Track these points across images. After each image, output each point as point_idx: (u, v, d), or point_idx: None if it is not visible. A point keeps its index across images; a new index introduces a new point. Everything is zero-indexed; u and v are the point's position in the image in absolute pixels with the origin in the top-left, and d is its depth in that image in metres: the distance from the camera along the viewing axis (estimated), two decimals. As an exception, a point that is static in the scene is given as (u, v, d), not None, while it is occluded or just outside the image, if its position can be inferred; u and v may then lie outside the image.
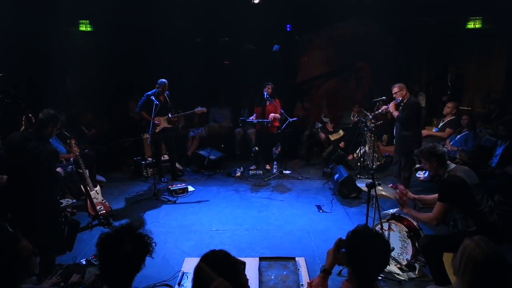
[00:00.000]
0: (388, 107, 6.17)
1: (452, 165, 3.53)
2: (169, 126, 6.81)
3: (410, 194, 3.93)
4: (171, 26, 8.48)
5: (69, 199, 4.90)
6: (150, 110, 6.29)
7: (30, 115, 4.35)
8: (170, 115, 6.74)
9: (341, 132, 8.59)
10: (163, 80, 6.62)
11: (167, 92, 6.75)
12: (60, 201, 4.64)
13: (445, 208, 3.38)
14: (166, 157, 7.40)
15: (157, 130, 6.58)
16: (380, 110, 6.50)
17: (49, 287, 2.57)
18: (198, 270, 1.86)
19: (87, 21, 8.11)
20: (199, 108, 7.04)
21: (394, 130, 6.44)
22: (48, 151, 3.70)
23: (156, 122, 6.51)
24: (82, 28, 8.18)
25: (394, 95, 6.05)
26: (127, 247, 1.94)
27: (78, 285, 2.99)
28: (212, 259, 1.89)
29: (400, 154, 6.14)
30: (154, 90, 6.60)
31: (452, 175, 3.43)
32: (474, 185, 3.39)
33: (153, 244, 2.07)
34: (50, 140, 6.15)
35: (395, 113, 6.03)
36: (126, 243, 1.95)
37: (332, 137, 8.57)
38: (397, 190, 4.08)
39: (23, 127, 4.56)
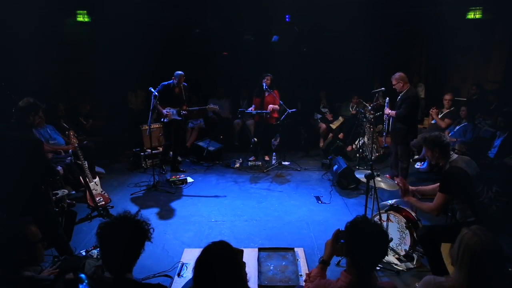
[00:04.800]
0: (388, 111, 6.12)
1: (454, 156, 3.50)
2: (179, 118, 6.77)
3: (408, 187, 3.93)
4: (168, 19, 8.42)
5: (65, 190, 4.90)
6: (164, 99, 6.36)
7: None
8: (182, 112, 6.71)
9: (341, 119, 8.59)
10: (180, 72, 6.57)
11: (184, 84, 6.72)
12: (56, 191, 4.62)
13: (446, 199, 3.37)
14: (160, 149, 7.40)
15: (165, 121, 6.60)
16: (385, 114, 6.39)
17: (47, 276, 2.58)
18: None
19: (85, 11, 8.03)
20: (212, 105, 7.37)
21: (389, 120, 6.39)
22: (31, 141, 3.66)
23: (165, 112, 6.53)
24: (80, 18, 8.10)
25: (393, 86, 6.01)
26: (125, 233, 2.04)
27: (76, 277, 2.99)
28: (215, 251, 1.90)
29: (397, 143, 6.13)
30: (171, 81, 6.58)
31: (454, 166, 3.40)
32: (475, 176, 3.38)
33: (151, 230, 2.17)
34: (48, 131, 6.21)
35: (392, 113, 5.98)
36: (124, 229, 2.06)
37: (334, 126, 8.57)
38: (396, 181, 4.08)
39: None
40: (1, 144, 3.54)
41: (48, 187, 3.83)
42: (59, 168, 5.27)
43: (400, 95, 5.97)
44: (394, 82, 5.94)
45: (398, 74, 5.94)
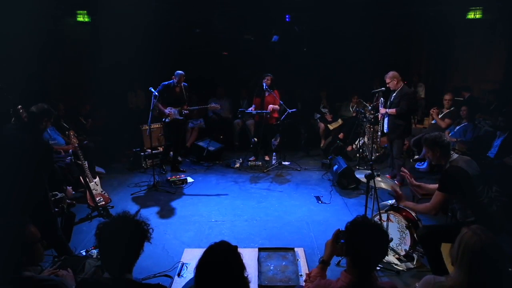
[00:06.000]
0: (387, 111, 6.15)
1: (455, 155, 3.49)
2: (180, 118, 6.77)
3: (413, 181, 3.93)
4: (167, 18, 8.42)
5: (63, 194, 4.88)
6: (165, 99, 6.43)
7: (19, 107, 4.29)
8: (183, 111, 6.70)
9: (340, 121, 8.58)
10: (180, 71, 6.57)
11: (184, 84, 6.72)
12: (55, 193, 4.63)
13: (444, 198, 3.36)
14: (160, 149, 7.41)
15: (167, 120, 6.60)
16: (380, 116, 6.42)
17: (48, 276, 2.58)
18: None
19: (85, 11, 8.03)
20: (213, 104, 7.35)
21: (383, 120, 6.43)
22: (43, 146, 3.72)
23: (167, 112, 6.53)
24: (80, 18, 8.10)
25: (387, 85, 6.11)
26: (124, 233, 2.04)
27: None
28: (218, 252, 1.90)
29: (393, 140, 6.18)
30: (171, 81, 6.58)
31: (454, 166, 3.39)
32: (475, 176, 3.37)
33: (150, 230, 2.17)
34: (49, 131, 6.21)
35: (392, 111, 6.02)
36: (123, 229, 2.07)
37: (331, 126, 8.57)
38: (395, 181, 4.08)
39: (13, 119, 4.53)
40: (12, 145, 3.58)
41: (47, 189, 3.83)
42: (69, 188, 5.30)
43: (395, 92, 6.05)
44: (388, 81, 6.09)
45: (391, 73, 6.10)
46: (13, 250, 2.21)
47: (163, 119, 6.63)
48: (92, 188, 5.12)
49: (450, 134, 6.82)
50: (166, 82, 6.56)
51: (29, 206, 3.50)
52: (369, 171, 4.03)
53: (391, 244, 4.10)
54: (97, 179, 5.38)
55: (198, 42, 9.52)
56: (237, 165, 7.40)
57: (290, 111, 7.03)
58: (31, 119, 3.75)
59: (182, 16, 8.53)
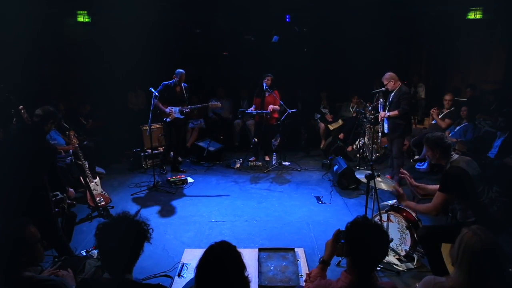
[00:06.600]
0: (387, 114, 6.16)
1: (455, 156, 3.49)
2: (182, 117, 6.77)
3: (413, 181, 3.93)
4: (167, 18, 8.43)
5: (64, 194, 4.87)
6: (166, 98, 6.42)
7: (21, 107, 4.29)
8: (184, 109, 6.68)
9: (340, 122, 8.58)
10: (181, 70, 6.56)
11: (184, 84, 6.71)
12: (56, 193, 4.63)
13: (445, 199, 3.36)
14: (160, 149, 7.41)
15: (168, 120, 6.59)
16: (380, 118, 6.44)
17: (48, 276, 2.58)
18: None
19: (85, 11, 8.03)
20: (213, 102, 7.32)
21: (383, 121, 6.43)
22: (47, 147, 3.75)
23: (167, 111, 6.52)
24: (80, 18, 8.10)
25: (385, 86, 6.17)
26: (124, 234, 2.04)
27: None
28: (219, 251, 1.90)
29: (393, 139, 6.18)
30: (171, 80, 6.57)
31: (455, 166, 3.38)
32: (476, 176, 3.37)
33: (150, 231, 2.17)
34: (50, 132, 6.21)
35: (395, 113, 6.03)
36: (123, 230, 2.06)
37: (331, 127, 8.56)
38: (394, 181, 4.09)
39: (14, 120, 4.55)
40: (14, 146, 3.60)
41: (48, 189, 3.84)
42: (71, 189, 5.30)
43: (393, 92, 6.07)
44: (385, 82, 6.16)
45: (388, 74, 6.15)
46: (13, 250, 2.21)
47: (164, 119, 6.63)
48: (92, 188, 5.12)
49: (450, 134, 6.82)
50: (167, 82, 6.56)
51: (30, 206, 3.51)
52: (369, 172, 4.02)
53: (391, 245, 4.10)
54: (97, 179, 5.38)
55: (198, 43, 9.52)
56: (237, 165, 7.40)
57: (290, 111, 7.03)
58: (37, 120, 3.80)
59: (182, 17, 8.53)
